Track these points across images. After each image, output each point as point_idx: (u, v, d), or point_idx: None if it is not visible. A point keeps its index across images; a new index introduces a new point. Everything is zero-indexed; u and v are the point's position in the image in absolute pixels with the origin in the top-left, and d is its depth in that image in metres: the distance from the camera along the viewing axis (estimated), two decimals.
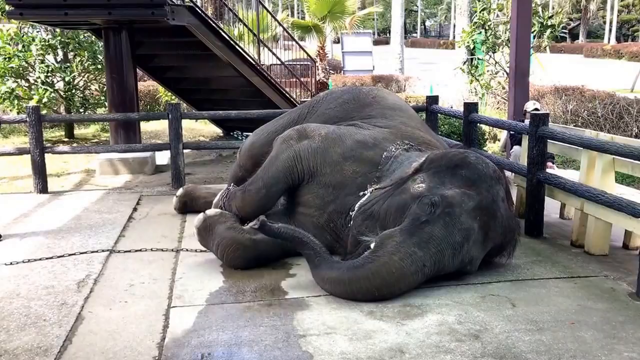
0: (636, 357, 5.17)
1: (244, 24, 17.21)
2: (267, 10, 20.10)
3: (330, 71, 28.36)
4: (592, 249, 7.81)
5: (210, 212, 7.67)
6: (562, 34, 20.29)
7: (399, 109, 8.73)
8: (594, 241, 7.80)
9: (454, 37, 66.09)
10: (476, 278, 6.84)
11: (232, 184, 8.81)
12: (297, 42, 19.58)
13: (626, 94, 20.87)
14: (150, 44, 15.17)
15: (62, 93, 17.62)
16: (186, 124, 17.57)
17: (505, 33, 17.73)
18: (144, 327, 5.83)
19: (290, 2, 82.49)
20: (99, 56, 17.47)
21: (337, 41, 45.74)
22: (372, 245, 6.37)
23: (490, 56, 18.47)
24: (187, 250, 8.00)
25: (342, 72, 35.00)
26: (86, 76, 18.24)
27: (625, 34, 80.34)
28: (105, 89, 15.87)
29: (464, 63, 19.84)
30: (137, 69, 14.82)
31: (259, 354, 5.20)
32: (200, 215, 7.59)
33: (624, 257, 7.77)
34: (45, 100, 16.42)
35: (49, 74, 17.12)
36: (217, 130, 19.49)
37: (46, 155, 11.58)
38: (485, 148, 14.61)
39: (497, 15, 18.90)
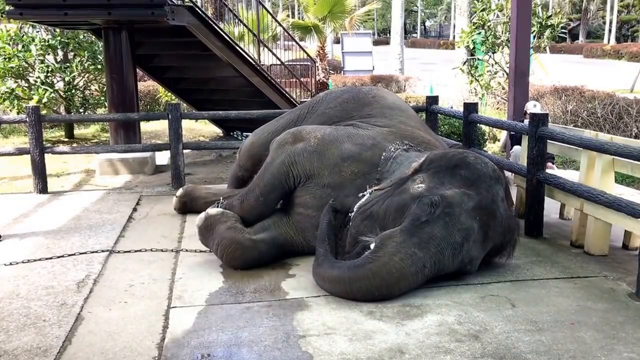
0: (636, 357, 5.17)
1: (244, 24, 17.21)
2: (267, 11, 20.11)
3: (330, 71, 28.33)
4: (592, 249, 7.80)
5: (212, 211, 7.67)
6: (561, 34, 20.27)
7: (398, 108, 8.73)
8: (593, 241, 7.80)
9: (453, 38, 66.15)
10: (476, 278, 6.84)
11: (223, 199, 8.73)
12: (297, 42, 19.58)
13: (626, 94, 20.88)
14: (150, 44, 15.18)
15: (62, 93, 17.61)
16: (186, 124, 17.58)
17: (505, 33, 17.73)
18: (144, 327, 5.83)
19: (291, 2, 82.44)
20: (99, 56, 17.46)
21: (337, 41, 45.77)
22: (372, 246, 6.35)
23: (490, 56, 18.47)
24: (187, 250, 8.00)
25: (342, 72, 35.03)
26: (86, 76, 18.23)
27: (625, 34, 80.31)
28: (105, 89, 15.86)
29: (464, 63, 19.84)
30: (137, 69, 14.82)
31: (259, 355, 5.20)
32: (202, 214, 7.60)
33: (623, 257, 7.77)
34: (45, 100, 16.41)
35: (48, 74, 17.11)
36: (217, 130, 19.50)
37: (46, 155, 11.57)
38: (485, 148, 14.60)
39: (497, 16, 18.89)
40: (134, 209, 10.20)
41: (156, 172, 13.61)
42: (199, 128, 20.47)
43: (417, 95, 24.90)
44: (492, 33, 18.01)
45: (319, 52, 25.01)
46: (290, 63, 19.51)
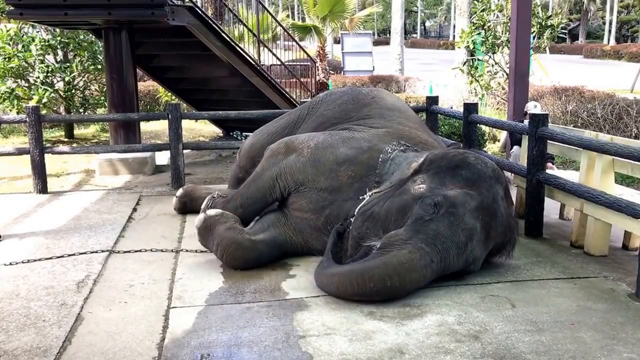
0: (636, 357, 5.17)
1: (244, 25, 17.21)
2: (268, 11, 20.09)
3: (330, 71, 28.35)
4: (592, 249, 7.81)
5: (211, 212, 7.65)
6: (561, 35, 20.30)
7: (397, 109, 8.75)
8: (593, 242, 7.80)
9: (453, 38, 66.19)
10: (476, 278, 6.84)
11: (217, 194, 8.74)
12: (297, 43, 19.58)
13: (626, 94, 20.88)
14: (150, 44, 15.18)
15: (61, 93, 17.60)
16: (186, 124, 17.58)
17: (505, 34, 17.75)
18: (144, 327, 5.83)
19: (291, 2, 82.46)
20: (98, 56, 17.46)
21: (337, 41, 45.77)
22: (377, 245, 6.37)
23: (490, 57, 18.48)
24: (186, 250, 8.00)
25: (342, 72, 35.01)
26: (86, 76, 18.23)
27: (624, 34, 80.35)
28: (105, 89, 15.86)
29: (464, 64, 19.86)
30: (137, 69, 14.82)
31: (259, 355, 5.20)
32: (201, 215, 7.58)
33: (623, 257, 7.78)
34: (45, 100, 16.41)
35: (48, 74, 17.11)
36: (217, 131, 19.50)
37: (46, 155, 11.57)
38: (485, 148, 14.60)
39: (497, 16, 18.92)
40: (134, 209, 10.20)
41: (156, 172, 13.61)
42: (199, 128, 20.47)
43: (417, 95, 24.90)
44: (492, 33, 18.03)
45: (319, 52, 25.03)
46: (290, 63, 19.52)
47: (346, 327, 5.73)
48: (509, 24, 16.33)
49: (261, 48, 16.59)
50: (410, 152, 7.67)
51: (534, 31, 17.41)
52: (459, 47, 21.62)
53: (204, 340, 5.47)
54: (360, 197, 7.29)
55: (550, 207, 9.11)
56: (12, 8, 12.15)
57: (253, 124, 12.62)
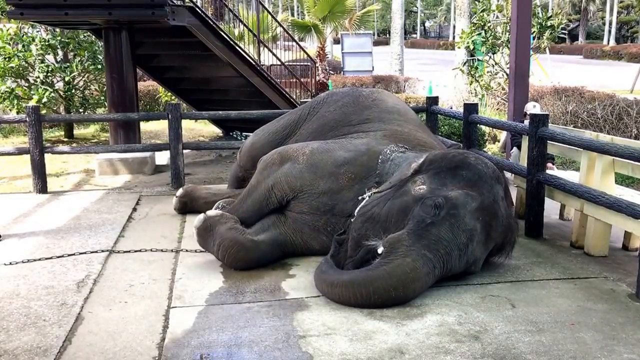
0: (636, 358, 5.17)
1: (244, 25, 17.22)
2: (268, 11, 20.12)
3: (330, 72, 28.35)
4: (592, 250, 7.81)
5: (211, 212, 7.65)
6: (561, 35, 20.31)
7: (397, 112, 8.77)
8: (593, 242, 7.80)
9: (453, 38, 66.14)
10: (476, 279, 6.84)
11: (224, 203, 8.75)
12: (297, 43, 19.58)
13: (626, 95, 20.89)
14: (150, 44, 15.17)
15: (61, 93, 17.61)
16: (186, 124, 17.57)
17: (505, 34, 17.75)
18: (144, 327, 5.83)
19: (290, 2, 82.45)
20: (99, 56, 17.47)
21: (337, 42, 45.75)
22: (380, 250, 6.31)
23: (490, 57, 18.49)
24: (186, 250, 7.99)
25: (342, 72, 35.00)
26: (86, 76, 18.23)
27: (624, 35, 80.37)
28: (105, 89, 15.87)
29: (464, 64, 19.87)
30: (137, 69, 14.82)
31: (259, 355, 5.20)
32: (201, 216, 7.56)
33: (623, 258, 7.78)
34: (45, 100, 16.41)
35: (48, 74, 17.11)
36: (217, 131, 19.50)
37: (46, 155, 11.57)
38: (485, 149, 14.61)
39: (497, 16, 18.92)
40: (134, 209, 10.20)
41: (156, 172, 13.61)
42: (199, 128, 20.47)
43: (417, 95, 24.91)
44: (492, 34, 18.03)
45: (319, 52, 25.04)
46: (290, 63, 19.51)
47: (346, 327, 5.73)
48: (509, 24, 16.34)
49: (261, 48, 16.59)
50: (409, 153, 7.67)
51: (534, 32, 17.40)
52: (459, 48, 21.62)
53: (204, 340, 5.48)
54: (360, 198, 7.29)
55: (551, 208, 9.11)
56: (12, 8, 12.16)
57: (253, 124, 12.61)
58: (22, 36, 17.18)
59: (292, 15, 71.45)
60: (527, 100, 11.99)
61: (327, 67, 25.69)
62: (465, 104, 10.73)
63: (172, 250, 8.06)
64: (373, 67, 36.06)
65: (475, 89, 19.88)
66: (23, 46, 16.93)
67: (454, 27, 56.90)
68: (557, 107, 17.59)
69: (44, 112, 14.68)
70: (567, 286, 6.74)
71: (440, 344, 5.40)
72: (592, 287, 6.73)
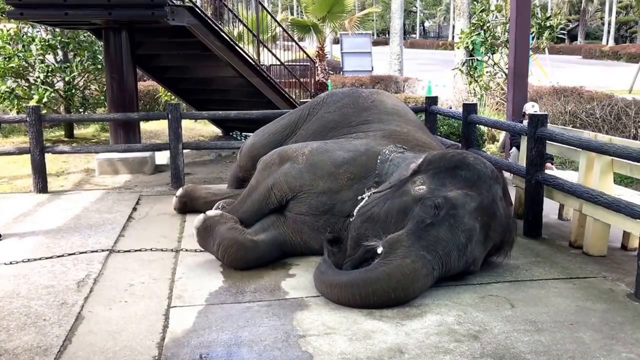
0: (635, 357, 5.18)
1: (244, 25, 17.23)
2: (267, 11, 20.13)
3: (330, 72, 28.32)
4: (591, 249, 7.81)
5: (211, 213, 7.65)
6: (560, 35, 20.32)
7: (396, 113, 8.78)
8: (592, 242, 7.81)
9: (452, 38, 66.12)
10: (475, 279, 6.85)
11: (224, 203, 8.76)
12: (296, 43, 19.58)
13: (624, 95, 20.89)
14: (150, 44, 15.16)
15: (62, 93, 17.62)
16: (186, 124, 17.55)
17: (504, 34, 17.76)
18: (144, 327, 5.83)
19: (290, 2, 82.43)
20: (98, 56, 17.48)
21: (336, 42, 45.73)
22: (379, 250, 6.32)
23: (489, 57, 18.49)
24: (186, 250, 7.99)
25: (341, 72, 34.96)
26: (86, 76, 18.24)
27: (623, 35, 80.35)
28: (105, 88, 15.88)
29: (463, 64, 19.88)
30: (137, 69, 14.82)
31: (259, 354, 5.20)
32: (201, 216, 7.56)
33: (622, 258, 7.78)
34: (45, 100, 16.41)
35: (48, 74, 17.12)
36: (217, 130, 19.50)
37: (46, 154, 11.57)
38: (484, 149, 14.61)
39: (496, 17, 18.93)
40: (134, 209, 10.20)
41: (156, 171, 13.62)
42: (199, 128, 20.46)
43: (416, 95, 24.90)
44: (491, 34, 18.05)
45: (318, 52, 25.00)
46: (290, 64, 19.51)
47: (346, 327, 5.74)
48: (508, 25, 16.34)
49: (261, 48, 16.60)
50: (408, 153, 7.67)
51: (533, 32, 17.41)
52: (458, 48, 21.62)
53: (204, 340, 5.48)
54: (359, 197, 7.30)
55: (549, 208, 9.10)
56: (12, 8, 12.16)
57: (253, 124, 12.63)
58: (22, 36, 17.21)
59: (292, 14, 71.43)
60: (526, 100, 11.99)
61: (327, 67, 25.65)
62: (464, 104, 10.74)
63: (172, 250, 8.06)
64: (372, 67, 36.04)
65: (474, 89, 19.89)
66: (23, 46, 16.95)
67: (453, 27, 56.88)
68: (556, 107, 17.59)
69: (44, 112, 14.65)
70: (566, 286, 6.75)
71: (440, 344, 5.40)
72: (591, 286, 6.74)
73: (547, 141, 8.38)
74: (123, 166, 13.29)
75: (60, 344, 5.44)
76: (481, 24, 18.20)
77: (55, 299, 6.45)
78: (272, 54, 17.29)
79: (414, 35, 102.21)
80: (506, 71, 16.62)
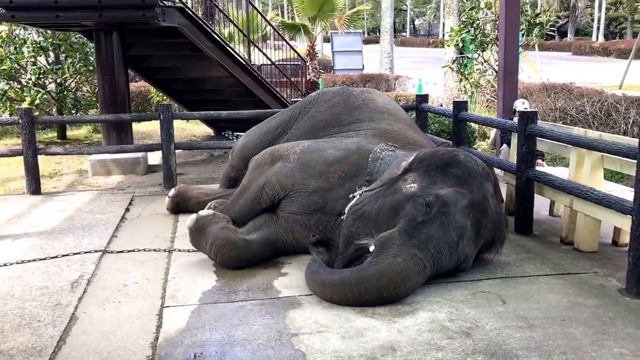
0: (626, 352, 5.20)
1: (234, 25, 17.22)
2: (258, 11, 20.10)
3: (321, 70, 28.30)
4: (582, 245, 7.83)
5: (203, 212, 7.66)
6: (550, 32, 20.36)
7: (387, 112, 8.79)
8: (583, 238, 7.83)
9: (443, 36, 66.13)
10: (467, 275, 6.86)
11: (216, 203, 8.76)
12: (287, 42, 19.56)
13: (614, 91, 20.93)
14: (141, 45, 15.14)
15: (54, 95, 17.60)
16: (177, 124, 17.52)
17: (494, 31, 17.78)
18: (138, 327, 5.84)
19: (280, 1, 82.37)
20: (90, 58, 17.45)
21: (327, 40, 45.73)
22: (370, 248, 6.34)
23: (479, 55, 18.52)
24: (179, 250, 7.99)
25: (332, 71, 34.96)
26: (78, 78, 18.22)
27: (613, 31, 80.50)
28: (96, 90, 15.85)
29: (453, 62, 19.90)
30: (129, 70, 14.82)
31: (252, 353, 5.21)
32: (193, 216, 7.56)
33: (613, 253, 7.80)
34: (37, 102, 16.39)
35: (40, 76, 17.10)
36: (209, 130, 19.47)
37: (39, 156, 11.55)
38: (474, 146, 14.62)
39: (486, 14, 18.94)
40: (127, 209, 10.19)
41: (148, 172, 13.60)
42: (191, 128, 20.44)
43: (407, 93, 24.91)
44: (481, 31, 18.07)
45: (309, 51, 25.00)
46: (281, 63, 19.51)
47: (338, 325, 5.75)
48: (497, 22, 16.36)
49: (251, 48, 16.60)
50: (399, 151, 7.68)
51: (522, 29, 17.43)
52: (449, 46, 21.61)
53: (197, 339, 5.49)
54: (351, 196, 7.30)
55: (540, 204, 9.13)
56: (3, 11, 12.15)
57: (244, 124, 12.63)
58: (14, 38, 17.16)
59: (282, 13, 71.40)
60: (516, 97, 12.02)
61: (318, 66, 25.66)
62: (454, 102, 10.76)
63: (165, 250, 8.06)
64: (363, 66, 36.05)
65: (464, 87, 19.91)
66: (15, 48, 16.91)
67: (444, 25, 56.80)
68: (546, 103, 17.60)
69: (36, 113, 14.65)
70: (558, 282, 6.77)
71: (432, 341, 5.41)
72: (582, 282, 6.76)
73: (537, 138, 8.39)
74: (116, 167, 13.27)
75: (54, 345, 5.45)
76: (471, 21, 18.23)
77: (50, 300, 6.45)
78: (263, 53, 17.29)
79: (404, 34, 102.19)
80: (496, 68, 16.63)
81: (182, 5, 13.51)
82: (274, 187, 7.81)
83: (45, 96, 16.98)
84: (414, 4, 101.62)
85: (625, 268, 6.62)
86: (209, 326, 5.75)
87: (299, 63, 20.74)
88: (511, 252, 7.67)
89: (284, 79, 18.66)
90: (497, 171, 9.29)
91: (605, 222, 7.62)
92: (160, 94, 19.86)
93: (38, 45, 16.98)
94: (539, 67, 29.20)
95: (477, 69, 19.23)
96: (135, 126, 18.22)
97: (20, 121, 11.32)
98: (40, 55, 17.46)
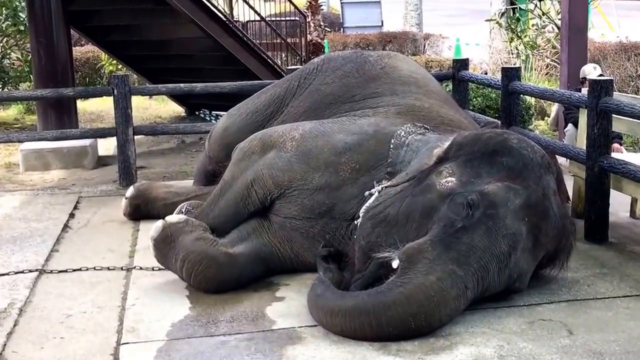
0: None
1: None
2: None
3: (326, 28, 28.31)
4: None
5: (172, 218, 7.62)
6: None
7: (414, 82, 8.74)
8: None
9: None
10: (521, 298, 6.84)
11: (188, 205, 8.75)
12: None
13: None
14: None
15: None
16: (137, 101, 17.57)
17: None
18: None
19: None
20: (20, 15, 17.48)
21: None
22: (394, 264, 6.27)
23: (536, 5, 18.51)
24: (141, 268, 7.98)
25: (342, 29, 34.93)
26: (4, 41, 18.26)
27: None
28: (29, 57, 15.87)
29: (501, 15, 19.91)
30: (72, 30, 14.81)
31: None
32: (159, 223, 7.52)
33: None
34: None
35: None
36: (179, 110, 19.52)
37: None
38: (530, 127, 14.62)
39: None
40: (71, 215, 10.20)
41: (99, 165, 13.62)
42: (155, 107, 20.48)
43: (440, 58, 24.92)
44: None
45: (310, 3, 25.02)
46: (274, 19, 19.54)
47: None
48: None
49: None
50: (431, 134, 7.65)
51: None
52: None
53: None
54: (367, 194, 7.27)
55: (618, 203, 9.12)
56: None
57: (225, 100, 12.65)
58: None
59: None
60: (586, 61, 12.02)
61: (322, 23, 25.68)
62: (503, 68, 10.76)
63: (121, 269, 8.06)
64: (382, 22, 35.99)
65: (516, 48, 19.90)
66: None
67: None
68: (625, 69, 17.60)
69: None
70: None
71: None
72: None
73: (613, 115, 8.38)
74: (56, 159, 13.28)
75: None
76: None
77: None
78: (250, 6, 17.32)
79: None
80: (559, 23, 16.64)
81: None
82: (266, 184, 7.78)
83: None
84: None
85: None
86: None
87: (298, 19, 20.78)
88: (580, 266, 7.66)
89: (278, 41, 18.68)
90: (561, 160, 9.27)
91: None
92: (114, 62, 19.90)
93: None
94: (615, 22, 29.19)
95: (533, 25, 19.24)
96: (81, 105, 18.24)
97: None
98: None
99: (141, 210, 9.72)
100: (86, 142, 13.42)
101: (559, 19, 16.60)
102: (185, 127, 14.16)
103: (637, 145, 13.45)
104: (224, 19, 15.35)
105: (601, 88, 8.32)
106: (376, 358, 5.85)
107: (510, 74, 10.51)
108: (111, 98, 11.78)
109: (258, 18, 17.71)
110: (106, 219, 10.01)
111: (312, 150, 7.69)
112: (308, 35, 22.62)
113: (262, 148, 8.02)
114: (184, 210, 8.52)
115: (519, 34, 19.11)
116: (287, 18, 21.26)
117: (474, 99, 14.40)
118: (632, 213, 9.58)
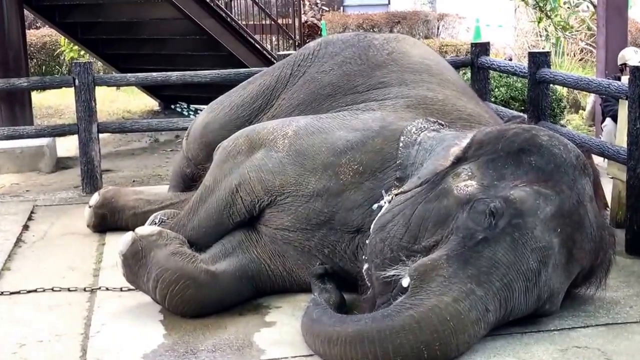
0: None
1: None
2: None
3: (324, 7, 28.37)
4: None
5: (144, 230, 7.59)
6: None
7: (426, 70, 8.71)
8: None
9: None
10: (552, 322, 6.82)
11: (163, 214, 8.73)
12: None
13: None
14: None
15: None
16: (103, 93, 17.58)
17: None
18: None
19: None
20: None
21: None
22: (404, 282, 6.22)
23: None
24: (107, 289, 7.95)
25: (342, 8, 34.97)
26: None
27: None
28: None
29: None
30: (25, 10, 14.81)
31: None
32: (128, 236, 7.47)
33: None
34: None
35: None
36: (151, 103, 19.54)
37: None
38: (562, 121, 14.63)
39: None
40: (25, 227, 10.18)
41: (58, 168, 13.63)
42: (124, 99, 20.52)
43: (457, 41, 25.02)
44: None
45: None
46: None
47: None
48: None
49: None
50: (446, 131, 7.63)
51: None
52: None
53: None
54: (376, 206, 7.23)
55: None
56: None
57: (206, 92, 12.65)
58: None
59: None
60: (626, 44, 12.02)
61: (319, 1, 25.73)
62: (530, 53, 10.76)
63: (84, 289, 8.04)
64: (389, 0, 36.07)
65: (546, 30, 19.93)
66: None
67: None
68: None
69: None
70: None
71: None
72: None
73: None
74: (7, 161, 13.29)
75: None
76: None
77: None
78: None
79: None
80: (595, 1, 16.68)
81: None
82: (254, 190, 7.76)
83: None
84: None
85: None
86: None
87: None
88: (621, 284, 7.65)
89: (268, 22, 18.69)
90: (599, 160, 9.27)
91: None
92: (75, 47, 19.91)
93: None
94: None
95: (565, 2, 19.25)
96: (37, 97, 18.25)
97: None
98: None
99: (107, 221, 9.71)
100: (43, 141, 13.42)
101: None
102: (158, 123, 14.09)
103: None
104: None
105: None
106: None
107: (539, 59, 10.50)
108: (72, 89, 11.78)
109: None
110: (66, 231, 10.00)
111: (307, 149, 7.66)
112: (302, 16, 22.64)
113: (249, 147, 7.99)
114: (157, 221, 8.49)
115: (548, 13, 19.11)
116: None
117: (496, 89, 14.42)
118: None
